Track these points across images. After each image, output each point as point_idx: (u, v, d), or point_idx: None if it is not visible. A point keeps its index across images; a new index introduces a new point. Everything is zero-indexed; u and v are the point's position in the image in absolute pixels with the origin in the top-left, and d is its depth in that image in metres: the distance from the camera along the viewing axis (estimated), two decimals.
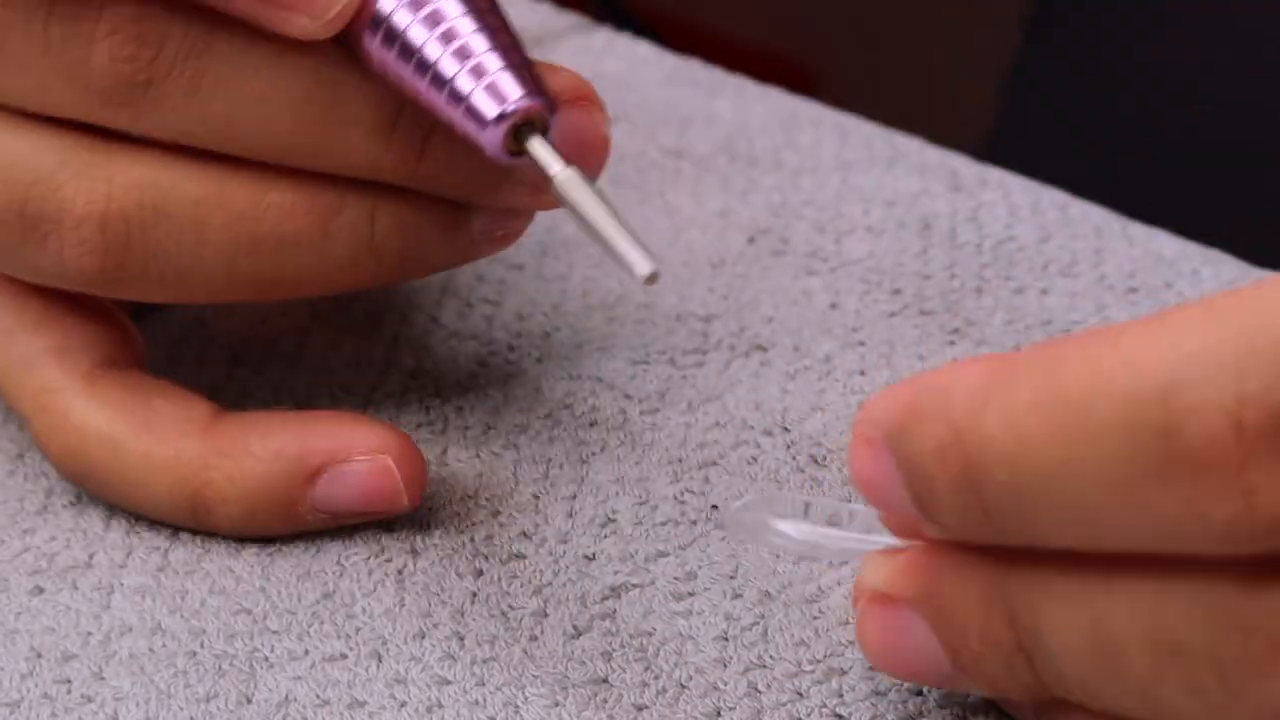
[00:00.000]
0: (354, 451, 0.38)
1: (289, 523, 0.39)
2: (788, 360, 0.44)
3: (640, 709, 0.36)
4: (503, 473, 0.41)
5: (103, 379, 0.39)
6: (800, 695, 0.36)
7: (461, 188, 0.38)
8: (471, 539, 0.39)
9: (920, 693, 0.36)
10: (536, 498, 0.40)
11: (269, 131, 0.37)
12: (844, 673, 0.37)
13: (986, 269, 0.47)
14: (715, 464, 0.41)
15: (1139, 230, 0.49)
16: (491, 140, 0.35)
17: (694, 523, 0.40)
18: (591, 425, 0.42)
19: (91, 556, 0.39)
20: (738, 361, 0.44)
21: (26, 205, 0.37)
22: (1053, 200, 0.50)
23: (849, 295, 0.47)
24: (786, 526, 0.35)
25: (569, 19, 0.58)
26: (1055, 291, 0.47)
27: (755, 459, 0.42)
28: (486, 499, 0.40)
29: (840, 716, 0.36)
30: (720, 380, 0.44)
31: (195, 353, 0.44)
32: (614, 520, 0.40)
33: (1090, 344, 0.29)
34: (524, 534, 0.40)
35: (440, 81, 0.35)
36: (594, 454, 0.42)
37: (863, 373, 0.44)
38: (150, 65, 0.36)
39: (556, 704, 0.36)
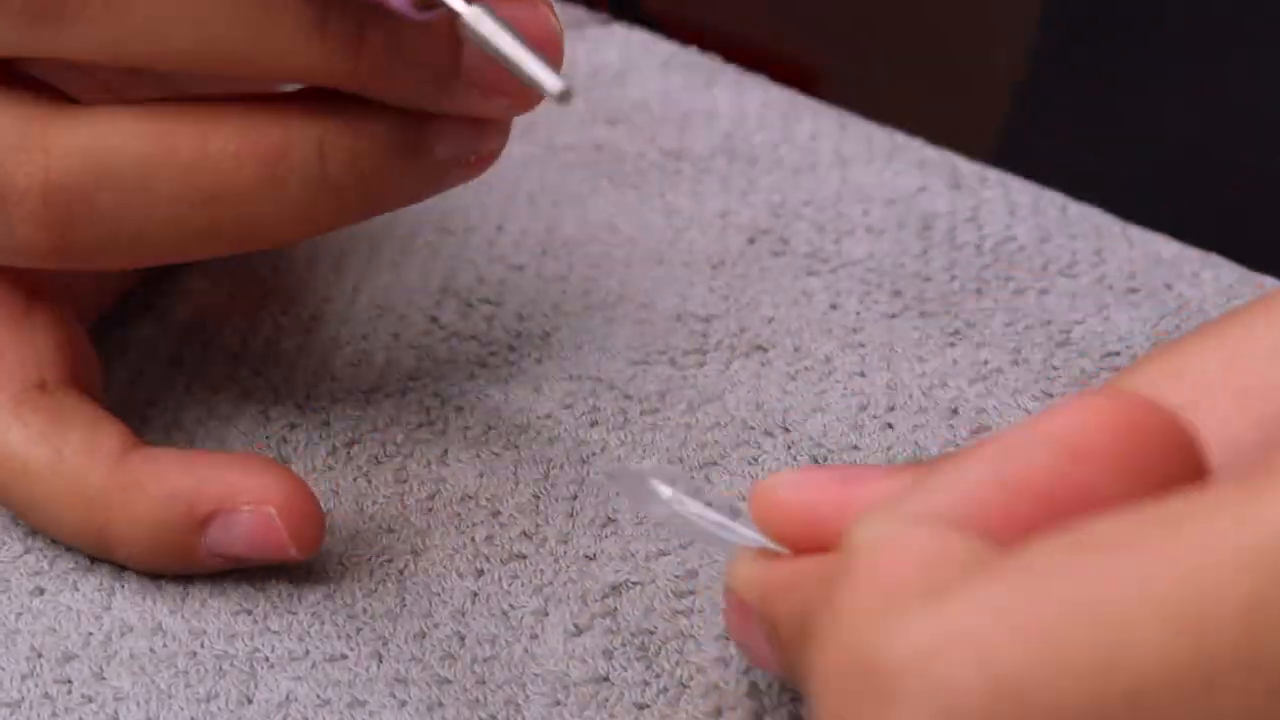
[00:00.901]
0: (240, 500, 0.37)
1: (189, 564, 0.38)
2: (788, 361, 0.44)
3: (641, 708, 0.36)
4: (503, 473, 0.41)
5: (29, 402, 0.38)
6: (801, 696, 0.36)
7: (409, 89, 0.36)
8: (472, 539, 0.39)
9: None
10: (537, 498, 0.40)
11: (196, 37, 0.35)
12: None
13: (986, 269, 0.47)
14: (716, 464, 0.41)
15: (1138, 232, 0.49)
16: None
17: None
18: (592, 425, 0.42)
19: (93, 559, 0.39)
20: (738, 362, 0.44)
21: None
22: (1052, 200, 0.50)
23: (849, 296, 0.47)
24: (663, 490, 0.35)
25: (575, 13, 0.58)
26: (1055, 292, 0.47)
27: (756, 459, 0.42)
28: (487, 499, 0.40)
29: None
30: (721, 380, 0.44)
31: (195, 353, 0.44)
32: (614, 520, 0.40)
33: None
34: (524, 534, 0.40)
35: None
36: (594, 454, 0.42)
37: (863, 374, 0.44)
38: None
39: (557, 703, 0.36)
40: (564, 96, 0.33)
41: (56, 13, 0.35)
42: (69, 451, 0.38)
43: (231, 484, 0.37)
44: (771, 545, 0.34)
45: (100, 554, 0.38)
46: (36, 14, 0.35)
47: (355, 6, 0.35)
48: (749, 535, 0.34)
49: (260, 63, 0.35)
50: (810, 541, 0.33)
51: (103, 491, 0.38)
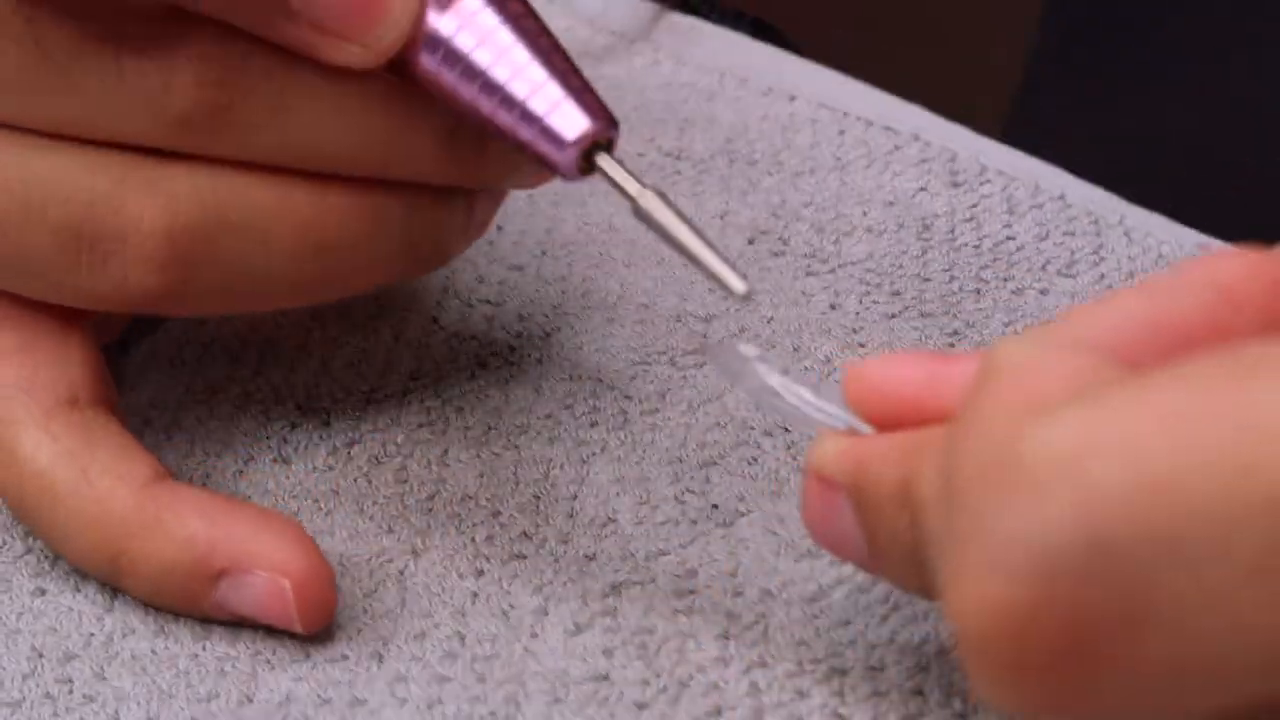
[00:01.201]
0: (257, 564, 0.37)
1: (193, 610, 0.38)
2: (788, 361, 0.45)
3: (641, 707, 0.36)
4: (503, 473, 0.41)
5: (60, 419, 0.38)
6: (801, 695, 0.36)
7: (509, 180, 0.39)
8: (472, 539, 0.40)
9: (920, 692, 0.36)
10: (537, 498, 0.41)
11: (346, 146, 0.37)
12: (845, 673, 0.37)
13: (985, 269, 0.48)
14: (716, 464, 0.41)
15: (1137, 219, 0.49)
16: (567, 160, 0.36)
17: (694, 522, 0.40)
18: (592, 426, 0.42)
19: None
20: None
21: (84, 226, 0.36)
22: (1050, 188, 0.50)
23: (849, 296, 0.47)
24: (765, 370, 0.35)
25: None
26: (1055, 291, 0.47)
27: (756, 459, 0.42)
28: (487, 499, 0.40)
29: (841, 716, 0.36)
30: (721, 381, 0.44)
31: (195, 354, 0.44)
32: (614, 520, 0.40)
33: None
34: (525, 534, 0.40)
35: (511, 104, 0.36)
36: (594, 454, 0.42)
37: None
38: (234, 88, 0.36)
39: (557, 700, 0.36)
40: (746, 297, 0.34)
41: (219, 122, 0.36)
42: (95, 473, 0.38)
43: (252, 546, 0.37)
44: (861, 426, 0.34)
45: (109, 581, 0.38)
46: (199, 122, 0.36)
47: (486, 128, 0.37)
48: (839, 415, 0.34)
49: (391, 167, 0.37)
50: (903, 419, 0.33)
51: (123, 520, 0.37)
